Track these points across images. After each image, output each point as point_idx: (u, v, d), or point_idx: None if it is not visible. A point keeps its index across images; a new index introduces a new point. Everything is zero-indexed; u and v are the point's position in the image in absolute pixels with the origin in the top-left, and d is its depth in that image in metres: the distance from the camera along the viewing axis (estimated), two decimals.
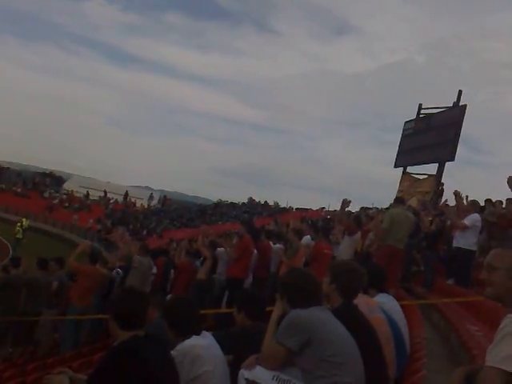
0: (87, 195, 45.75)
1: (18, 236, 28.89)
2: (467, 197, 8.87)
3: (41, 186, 46.77)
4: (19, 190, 44.14)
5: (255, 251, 8.43)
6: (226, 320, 6.32)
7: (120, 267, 9.50)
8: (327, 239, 8.48)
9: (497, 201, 10.86)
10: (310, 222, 16.54)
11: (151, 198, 48.46)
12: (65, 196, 45.26)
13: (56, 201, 43.10)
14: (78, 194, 46.32)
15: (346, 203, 8.50)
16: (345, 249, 8.46)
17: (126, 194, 47.50)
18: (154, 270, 9.16)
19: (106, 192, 47.01)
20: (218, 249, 8.86)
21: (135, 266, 8.53)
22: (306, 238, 8.66)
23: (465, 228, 8.03)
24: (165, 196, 50.17)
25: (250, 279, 8.42)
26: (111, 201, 45.93)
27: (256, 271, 8.45)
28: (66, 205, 42.76)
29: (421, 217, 10.34)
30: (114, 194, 48.04)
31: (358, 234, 8.66)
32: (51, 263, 8.79)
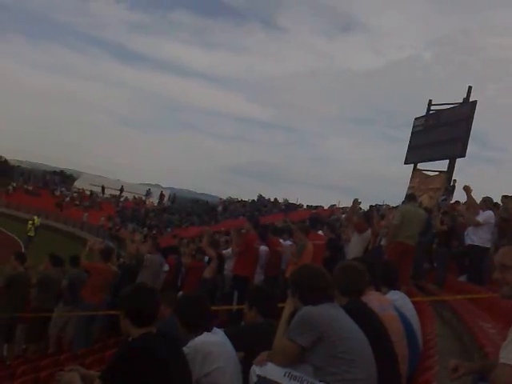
0: (91, 194, 46.08)
1: (29, 234, 29.17)
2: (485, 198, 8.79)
3: (51, 184, 47.15)
4: (30, 188, 44.52)
5: (263, 248, 8.45)
6: (238, 317, 6.35)
7: (129, 265, 9.53)
8: (315, 231, 8.47)
9: (510, 196, 10.75)
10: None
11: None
12: (75, 194, 45.56)
13: (67, 199, 43.42)
14: (88, 192, 46.62)
15: (356, 203, 8.52)
16: (354, 246, 8.43)
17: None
18: (166, 268, 9.20)
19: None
20: (225, 251, 8.92)
21: (146, 264, 8.55)
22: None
23: (478, 225, 7.97)
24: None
25: (261, 277, 8.44)
26: (121, 198, 46.18)
27: (267, 268, 8.45)
28: (77, 203, 43.05)
29: (433, 215, 10.29)
30: (125, 191, 48.24)
31: (368, 232, 8.62)
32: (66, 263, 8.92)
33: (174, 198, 49.00)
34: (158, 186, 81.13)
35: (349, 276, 3.25)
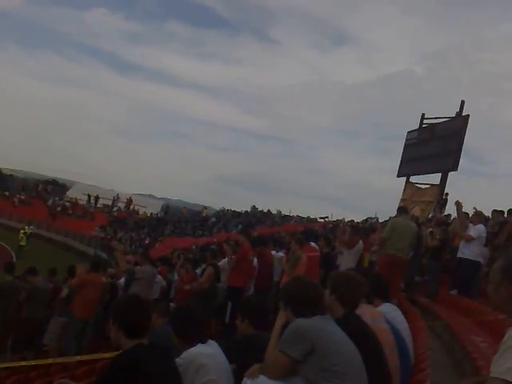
0: (89, 200, 46.00)
1: (21, 243, 28.93)
2: (475, 209, 8.89)
3: (44, 193, 46.84)
4: (23, 197, 44.22)
5: (255, 259, 8.45)
6: (231, 329, 6.32)
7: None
8: (308, 243, 8.44)
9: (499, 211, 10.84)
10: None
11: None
12: (68, 203, 45.30)
13: (59, 208, 43.14)
14: (81, 202, 46.37)
15: (344, 225, 8.54)
16: (346, 259, 8.46)
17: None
18: (158, 279, 9.14)
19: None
20: (220, 263, 8.91)
21: (138, 276, 8.49)
22: None
23: (470, 239, 8.02)
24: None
25: (251, 289, 8.42)
26: (114, 208, 45.98)
27: (258, 280, 8.44)
28: (69, 212, 42.82)
29: (423, 228, 10.31)
30: (120, 202, 47.99)
31: (359, 244, 8.61)
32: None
33: (167, 209, 48.80)
34: (151, 196, 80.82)
35: (350, 286, 3.22)
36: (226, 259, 8.72)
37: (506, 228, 9.37)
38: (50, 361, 7.21)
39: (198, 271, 9.45)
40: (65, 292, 8.49)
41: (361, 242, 8.62)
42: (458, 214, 8.64)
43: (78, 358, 7.04)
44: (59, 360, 7.18)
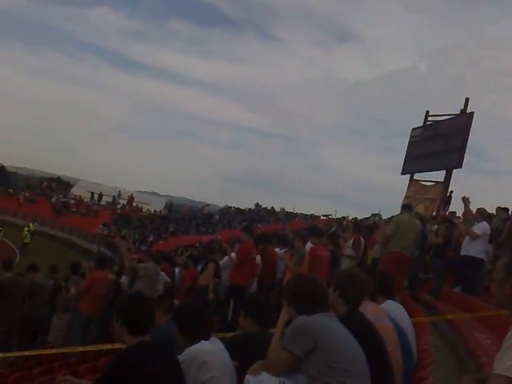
0: (92, 197, 46.25)
1: (25, 240, 29.02)
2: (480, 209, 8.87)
3: (48, 190, 47.01)
4: (27, 194, 44.38)
5: (258, 257, 8.46)
6: (233, 327, 6.33)
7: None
8: (320, 241, 8.41)
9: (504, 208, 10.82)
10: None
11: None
12: (72, 201, 45.45)
13: (61, 205, 43.26)
14: (85, 199, 46.55)
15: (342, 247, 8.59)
16: (346, 260, 8.47)
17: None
18: (161, 276, 9.17)
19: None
20: (221, 261, 8.94)
21: (141, 274, 8.53)
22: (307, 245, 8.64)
23: (476, 237, 8.00)
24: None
25: (254, 286, 8.43)
26: (118, 206, 46.13)
27: (261, 278, 8.44)
28: (74, 210, 42.97)
29: (428, 225, 10.30)
30: (122, 199, 48.23)
31: (361, 243, 8.62)
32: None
33: (170, 206, 48.91)
34: (154, 193, 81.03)
35: (354, 283, 3.22)
36: (227, 257, 8.74)
37: (506, 226, 9.38)
38: (53, 351, 7.22)
39: (198, 268, 9.49)
40: (73, 291, 8.54)
41: (362, 239, 8.63)
42: (465, 210, 8.61)
43: (81, 348, 7.05)
44: (62, 350, 7.19)
